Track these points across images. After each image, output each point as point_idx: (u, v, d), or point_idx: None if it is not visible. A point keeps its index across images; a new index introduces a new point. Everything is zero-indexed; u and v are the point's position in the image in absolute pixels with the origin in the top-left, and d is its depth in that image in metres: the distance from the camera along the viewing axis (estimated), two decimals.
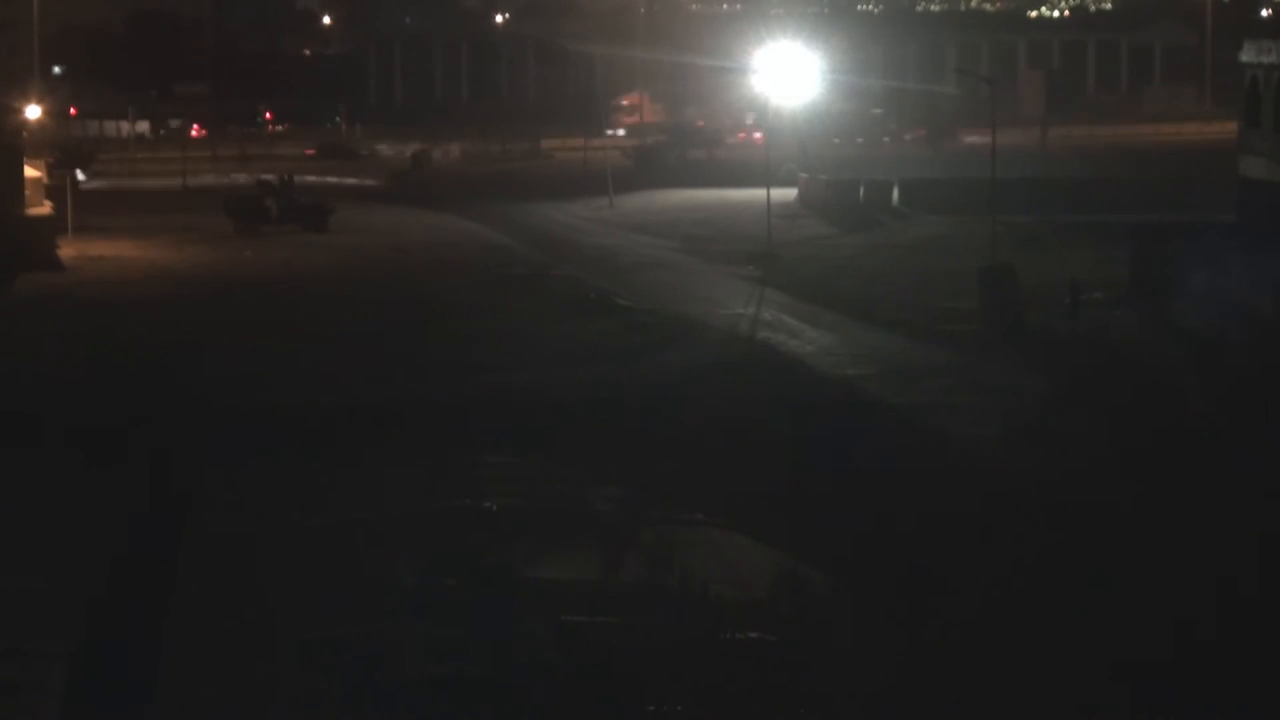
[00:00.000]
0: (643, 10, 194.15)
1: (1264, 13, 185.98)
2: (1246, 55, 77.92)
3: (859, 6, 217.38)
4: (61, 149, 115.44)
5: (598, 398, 55.40)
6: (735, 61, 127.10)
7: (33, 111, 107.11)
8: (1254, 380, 56.66)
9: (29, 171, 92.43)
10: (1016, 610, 35.71)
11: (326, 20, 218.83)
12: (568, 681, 31.68)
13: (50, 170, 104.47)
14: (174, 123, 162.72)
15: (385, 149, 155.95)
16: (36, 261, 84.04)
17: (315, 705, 30.67)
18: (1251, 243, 68.39)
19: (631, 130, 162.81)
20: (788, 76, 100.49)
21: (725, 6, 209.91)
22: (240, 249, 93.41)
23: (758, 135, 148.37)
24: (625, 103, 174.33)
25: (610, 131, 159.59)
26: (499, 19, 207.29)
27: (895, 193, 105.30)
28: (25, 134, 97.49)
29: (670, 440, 49.83)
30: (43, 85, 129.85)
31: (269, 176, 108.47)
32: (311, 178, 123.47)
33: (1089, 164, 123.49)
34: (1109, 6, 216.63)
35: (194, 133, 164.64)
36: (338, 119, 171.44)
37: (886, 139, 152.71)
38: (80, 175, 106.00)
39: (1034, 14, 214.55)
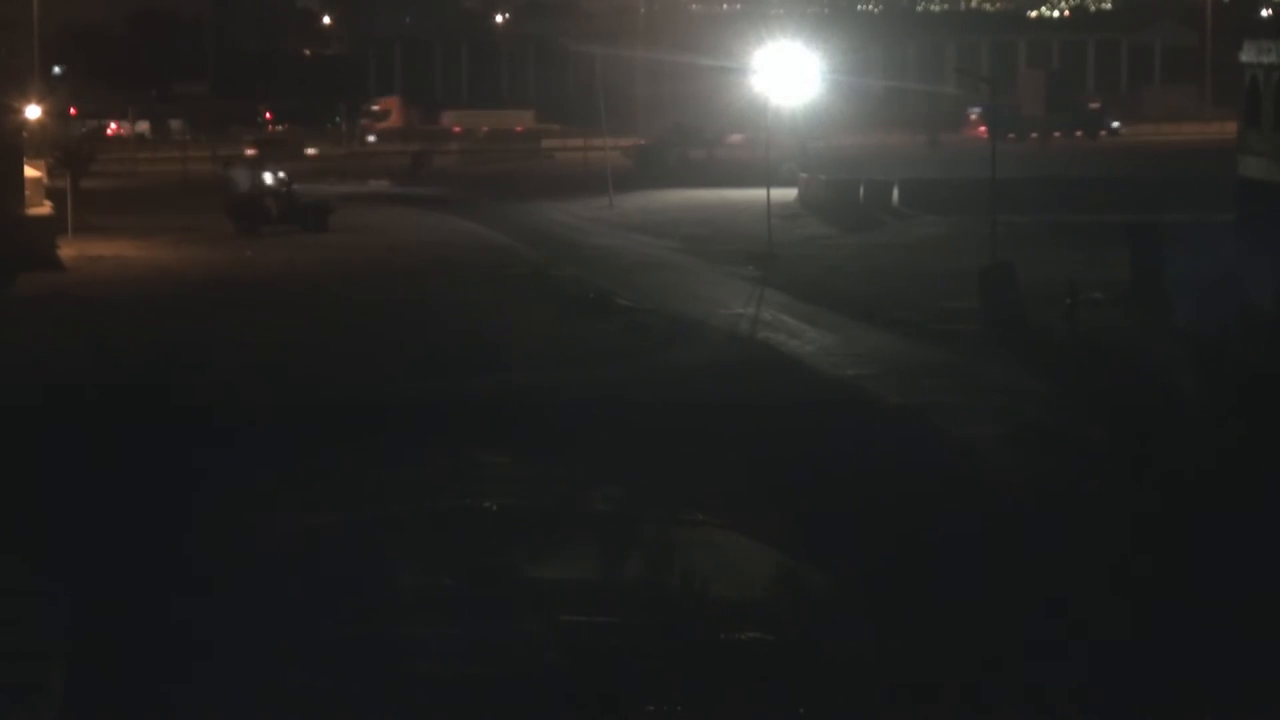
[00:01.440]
0: (643, 10, 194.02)
1: (1264, 13, 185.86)
2: (1246, 55, 77.88)
3: (859, 6, 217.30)
4: (62, 149, 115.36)
5: (598, 398, 55.41)
6: (735, 61, 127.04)
7: (33, 111, 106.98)
8: (1253, 379, 56.65)
9: (29, 171, 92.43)
10: (1015, 610, 35.71)
11: (326, 20, 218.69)
12: (568, 681, 31.68)
13: (50, 171, 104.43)
14: (84, 126, 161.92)
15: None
16: (36, 261, 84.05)
17: (316, 705, 30.68)
18: (1251, 242, 68.42)
19: (383, 136, 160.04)
20: (788, 76, 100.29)
21: (725, 6, 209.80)
22: (240, 249, 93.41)
23: (981, 129, 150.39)
24: (377, 108, 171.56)
25: (370, 138, 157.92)
26: (499, 19, 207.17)
27: (895, 193, 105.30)
28: (25, 134, 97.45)
29: (670, 440, 49.82)
30: (43, 85, 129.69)
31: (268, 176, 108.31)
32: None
33: (1088, 164, 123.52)
34: (1109, 6, 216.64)
35: (109, 131, 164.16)
36: (338, 119, 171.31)
37: (1104, 132, 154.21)
38: (269, 180, 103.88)
39: (1034, 14, 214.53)
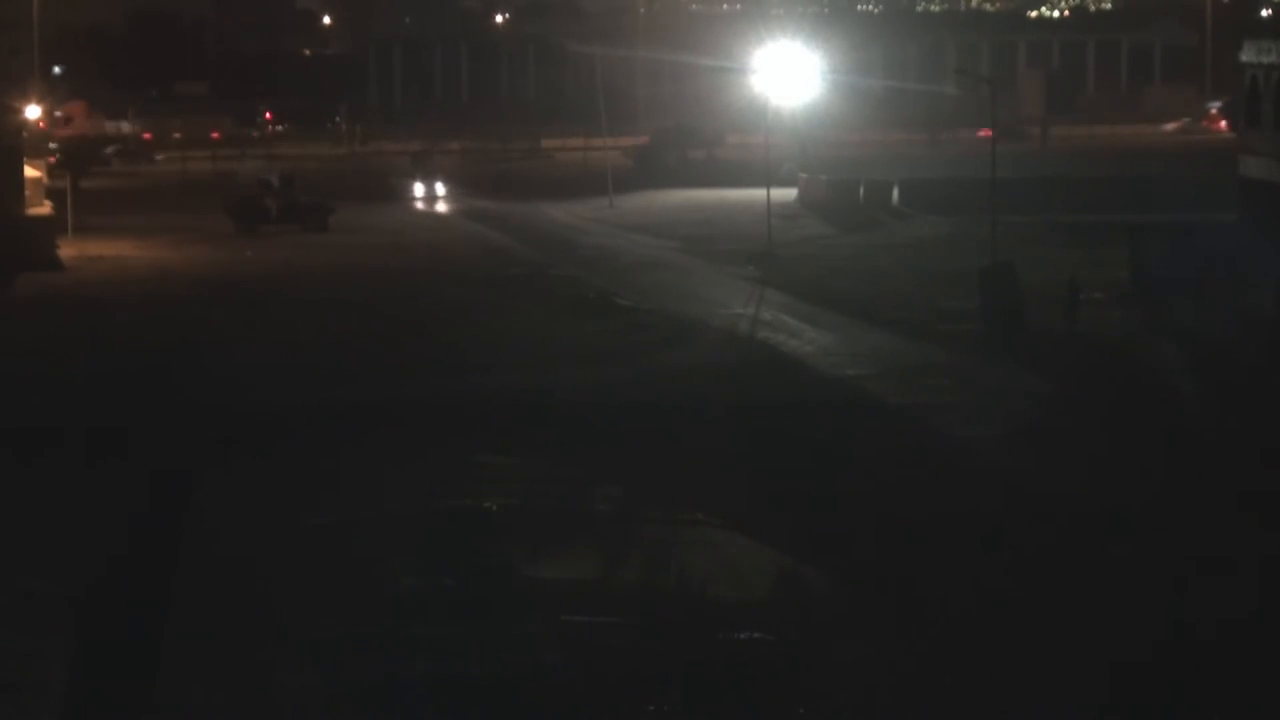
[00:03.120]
0: (643, 10, 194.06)
1: (1264, 13, 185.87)
2: (1246, 55, 77.90)
3: (859, 6, 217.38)
4: (61, 149, 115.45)
5: (598, 398, 55.40)
6: (735, 61, 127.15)
7: (33, 111, 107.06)
8: (1254, 380, 56.68)
9: (29, 171, 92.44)
10: (1015, 610, 35.71)
11: (326, 20, 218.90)
12: (568, 681, 31.68)
13: (50, 171, 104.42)
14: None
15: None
16: (36, 261, 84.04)
17: (315, 705, 30.67)
18: (1251, 242, 68.43)
19: (65, 145, 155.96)
20: (788, 76, 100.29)
21: (725, 6, 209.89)
22: (241, 249, 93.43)
23: (1223, 123, 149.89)
24: (60, 114, 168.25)
25: (52, 145, 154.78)
26: (499, 19, 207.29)
27: (895, 193, 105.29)
28: (25, 134, 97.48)
29: (670, 440, 49.83)
30: (43, 85, 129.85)
31: (269, 176, 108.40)
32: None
33: (1089, 164, 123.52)
34: (1109, 6, 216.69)
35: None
36: (338, 119, 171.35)
37: None
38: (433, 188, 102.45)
39: (1034, 14, 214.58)
